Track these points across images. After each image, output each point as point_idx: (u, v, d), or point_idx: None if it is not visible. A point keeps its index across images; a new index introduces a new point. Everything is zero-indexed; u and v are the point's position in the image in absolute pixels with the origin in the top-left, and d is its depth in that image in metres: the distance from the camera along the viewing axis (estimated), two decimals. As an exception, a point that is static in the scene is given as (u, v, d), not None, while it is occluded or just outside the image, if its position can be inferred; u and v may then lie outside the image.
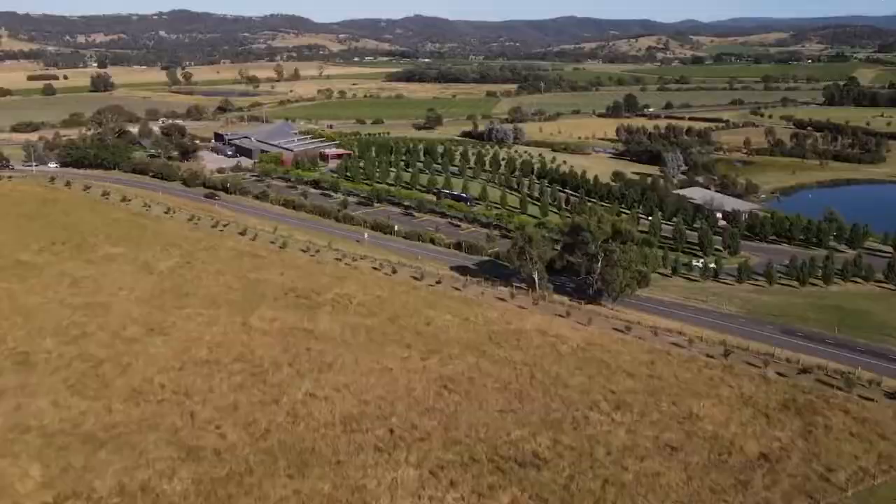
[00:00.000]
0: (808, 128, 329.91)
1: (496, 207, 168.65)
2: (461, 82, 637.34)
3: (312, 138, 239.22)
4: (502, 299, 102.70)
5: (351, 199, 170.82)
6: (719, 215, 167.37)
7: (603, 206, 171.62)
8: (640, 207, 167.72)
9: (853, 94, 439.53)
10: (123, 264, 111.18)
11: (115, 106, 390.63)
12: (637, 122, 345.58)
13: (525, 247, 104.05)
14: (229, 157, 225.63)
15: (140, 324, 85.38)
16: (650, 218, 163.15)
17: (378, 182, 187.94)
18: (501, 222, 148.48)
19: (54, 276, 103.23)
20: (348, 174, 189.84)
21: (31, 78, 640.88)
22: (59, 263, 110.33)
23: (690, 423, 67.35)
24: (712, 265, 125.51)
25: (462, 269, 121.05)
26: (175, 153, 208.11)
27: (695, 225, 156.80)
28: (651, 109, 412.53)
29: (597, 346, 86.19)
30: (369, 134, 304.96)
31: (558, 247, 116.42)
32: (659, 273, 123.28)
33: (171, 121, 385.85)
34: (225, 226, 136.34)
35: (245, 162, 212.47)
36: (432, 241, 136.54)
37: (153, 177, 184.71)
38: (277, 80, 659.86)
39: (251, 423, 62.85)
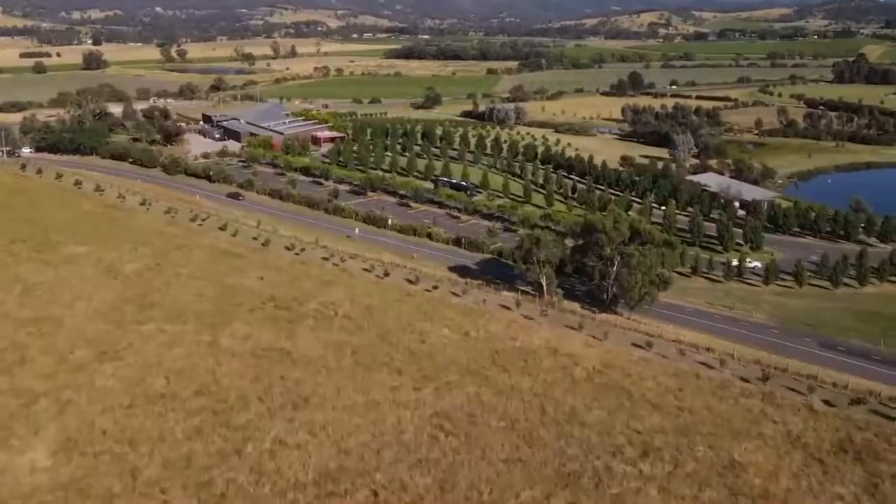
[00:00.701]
0: (821, 107, 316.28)
1: (498, 196, 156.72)
2: (461, 59, 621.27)
3: (304, 120, 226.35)
4: (507, 307, 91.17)
5: (343, 187, 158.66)
6: (737, 204, 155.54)
7: (612, 193, 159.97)
8: (653, 196, 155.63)
9: (863, 71, 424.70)
10: (86, 266, 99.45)
11: (103, 85, 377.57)
12: (643, 102, 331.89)
13: (532, 249, 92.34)
14: (217, 140, 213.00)
15: (92, 345, 73.78)
16: (663, 208, 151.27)
17: (372, 168, 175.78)
18: (504, 214, 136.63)
19: (5, 282, 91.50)
20: (341, 160, 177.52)
21: (23, 55, 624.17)
22: (15, 266, 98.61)
23: (733, 476, 56.05)
24: (755, 263, 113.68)
25: (462, 270, 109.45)
26: (158, 137, 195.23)
27: (711, 215, 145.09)
28: (662, 87, 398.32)
29: (616, 369, 74.79)
30: (366, 114, 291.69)
31: (568, 245, 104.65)
32: (677, 272, 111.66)
33: (161, 100, 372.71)
34: (204, 220, 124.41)
35: (233, 146, 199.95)
36: (429, 235, 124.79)
37: (132, 163, 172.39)
38: (274, 58, 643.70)
39: (205, 484, 51.48)
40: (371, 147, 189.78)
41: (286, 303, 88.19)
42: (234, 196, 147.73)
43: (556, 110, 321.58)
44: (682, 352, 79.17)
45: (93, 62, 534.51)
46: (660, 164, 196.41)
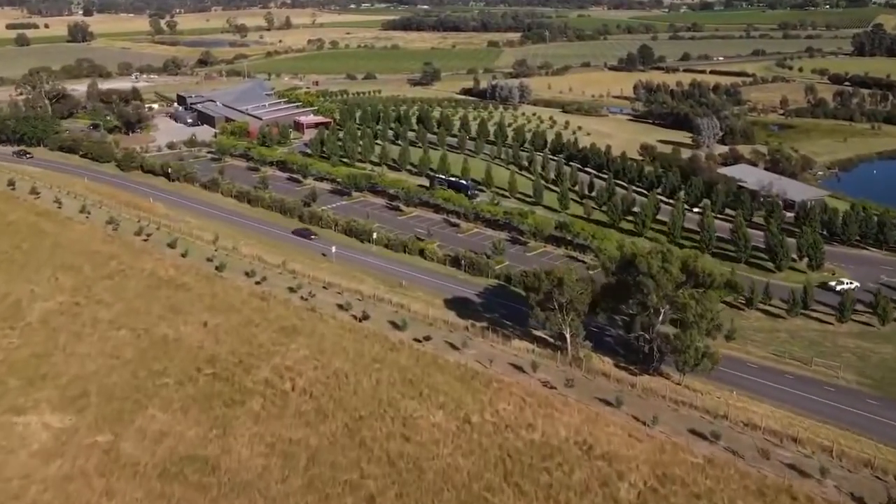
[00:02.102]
0: (846, 83, 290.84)
1: (503, 196, 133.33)
2: (461, 31, 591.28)
3: (287, 103, 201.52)
4: (520, 368, 68.64)
5: (324, 185, 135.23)
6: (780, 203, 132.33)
7: (636, 191, 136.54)
8: (683, 195, 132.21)
9: (885, 42, 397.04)
10: (-18, 308, 77.02)
11: (81, 59, 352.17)
12: (654, 77, 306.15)
13: (553, 292, 69.48)
14: (189, 125, 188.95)
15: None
16: (696, 210, 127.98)
17: (360, 161, 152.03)
18: (511, 221, 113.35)
19: None
20: (324, 151, 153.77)
21: (10, 27, 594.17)
22: None
23: None
24: (847, 284, 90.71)
25: (461, 305, 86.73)
26: (119, 124, 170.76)
27: (752, 218, 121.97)
28: (672, 61, 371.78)
29: (675, 481, 52.51)
30: (358, 93, 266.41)
31: (598, 276, 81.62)
32: (726, 303, 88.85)
33: (144, 76, 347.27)
34: (149, 236, 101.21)
35: (205, 133, 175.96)
36: (422, 253, 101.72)
37: (83, 157, 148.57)
38: (267, 30, 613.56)
39: None
40: (359, 135, 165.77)
41: (229, 369, 65.67)
42: (304, 235, 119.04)
43: (562, 87, 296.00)
44: (764, 452, 56.64)
45: (78, 34, 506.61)
46: (683, 153, 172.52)
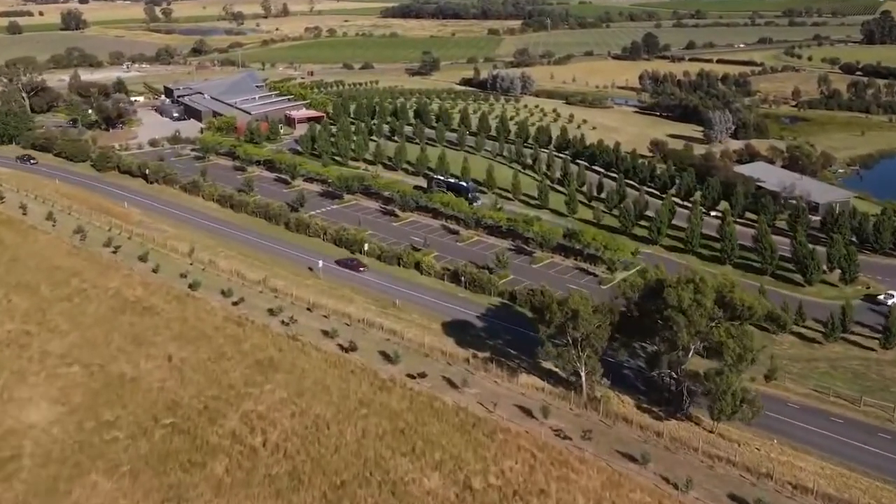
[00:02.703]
0: (858, 72, 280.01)
1: (506, 198, 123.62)
2: (461, 18, 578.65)
3: (279, 96, 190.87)
4: (528, 412, 59.22)
5: (313, 187, 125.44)
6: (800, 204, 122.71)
7: (649, 192, 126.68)
8: (699, 196, 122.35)
9: (895, 31, 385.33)
10: (-83, 340, 67.51)
11: (71, 49, 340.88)
12: (660, 67, 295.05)
13: (566, 326, 59.89)
14: (175, 119, 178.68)
15: None
16: (714, 214, 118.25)
17: (353, 159, 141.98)
18: (516, 228, 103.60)
19: None
20: (315, 148, 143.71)
21: (2, 14, 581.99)
22: None
23: None
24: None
25: (461, 329, 77.15)
26: (99, 119, 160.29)
27: (774, 223, 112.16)
28: (677, 50, 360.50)
29: (719, 571, 43.26)
30: (354, 84, 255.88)
31: (615, 302, 71.95)
32: (756, 325, 79.18)
33: (136, 65, 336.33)
34: (117, 248, 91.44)
35: (191, 128, 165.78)
36: (418, 266, 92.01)
37: (57, 156, 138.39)
38: (265, 17, 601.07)
39: None
40: (353, 130, 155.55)
41: (192, 419, 56.20)
42: (352, 265, 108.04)
43: (565, 77, 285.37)
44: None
45: (71, 22, 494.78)
46: (696, 148, 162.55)
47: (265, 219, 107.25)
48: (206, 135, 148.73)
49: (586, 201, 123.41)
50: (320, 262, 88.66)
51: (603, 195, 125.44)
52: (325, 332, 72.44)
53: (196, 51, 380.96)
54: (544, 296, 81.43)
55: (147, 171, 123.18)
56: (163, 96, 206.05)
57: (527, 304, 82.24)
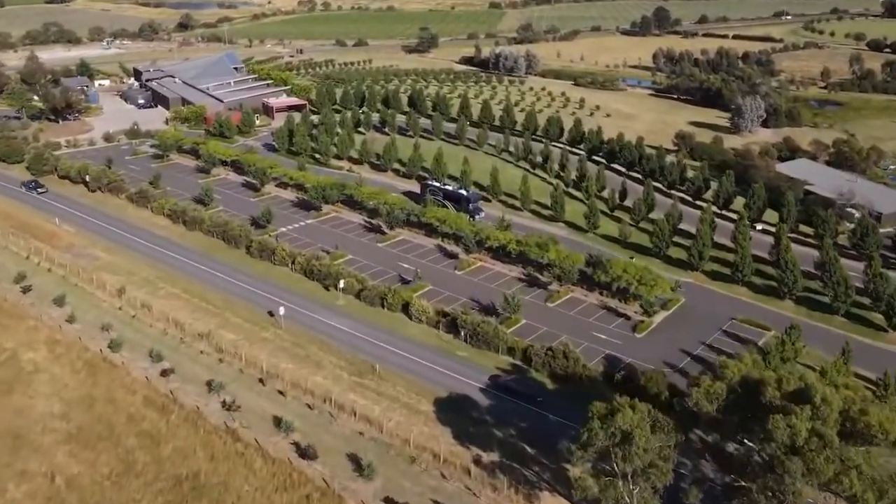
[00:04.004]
0: (887, 49, 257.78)
1: (513, 206, 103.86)
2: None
3: (257, 80, 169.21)
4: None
5: (288, 194, 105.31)
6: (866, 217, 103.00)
7: (681, 198, 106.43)
8: (745, 206, 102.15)
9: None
10: None
11: (48, 24, 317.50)
12: (672, 43, 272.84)
13: (614, 451, 40.35)
14: (141, 107, 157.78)
15: None
16: (758, 227, 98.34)
17: (337, 156, 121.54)
18: (527, 253, 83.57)
19: None
20: (293, 144, 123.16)
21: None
22: None
23: None
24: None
25: (460, 411, 57.53)
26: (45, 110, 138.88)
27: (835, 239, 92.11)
28: (689, 24, 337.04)
29: None
30: (345, 64, 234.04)
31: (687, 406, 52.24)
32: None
33: (117, 41, 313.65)
34: (28, 287, 71.78)
35: (156, 118, 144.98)
36: (406, 309, 72.17)
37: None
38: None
39: None
40: (338, 122, 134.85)
41: None
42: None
43: (572, 54, 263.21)
44: None
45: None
46: (724, 140, 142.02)
47: (223, 240, 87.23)
48: (166, 130, 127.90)
49: (607, 209, 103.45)
50: (282, 309, 68.86)
51: (627, 201, 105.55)
52: (279, 422, 53.18)
53: (182, 25, 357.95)
54: (568, 359, 62.41)
55: (87, 178, 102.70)
56: (131, 79, 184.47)
57: (545, 369, 62.90)
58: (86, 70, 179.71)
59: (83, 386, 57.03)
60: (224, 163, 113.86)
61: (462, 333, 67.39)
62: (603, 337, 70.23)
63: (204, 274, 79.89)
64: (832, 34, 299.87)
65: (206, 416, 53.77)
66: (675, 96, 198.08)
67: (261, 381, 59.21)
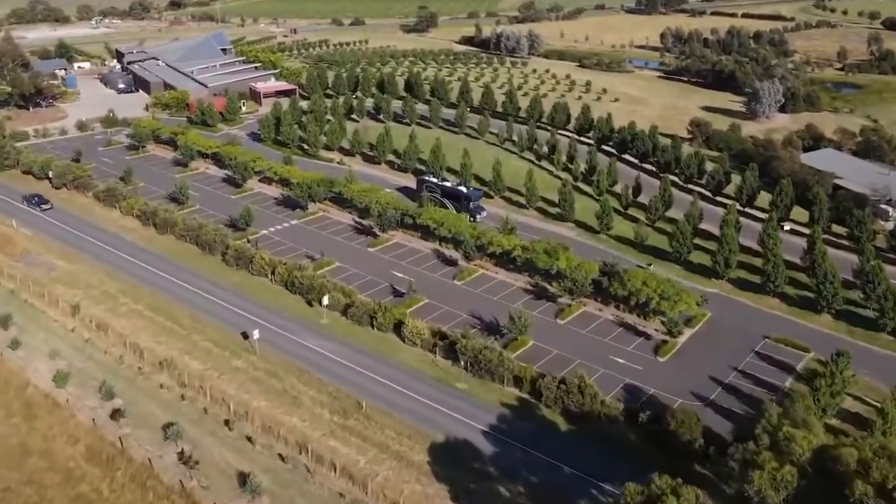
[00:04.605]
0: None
1: (518, 204, 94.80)
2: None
3: (245, 63, 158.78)
4: None
5: (272, 190, 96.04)
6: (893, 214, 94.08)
7: (700, 193, 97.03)
8: (771, 204, 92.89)
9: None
10: None
11: (35, 2, 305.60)
12: (680, 22, 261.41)
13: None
14: (121, 91, 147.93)
15: None
16: (786, 227, 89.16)
17: (327, 147, 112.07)
18: (534, 260, 74.46)
19: None
20: (280, 133, 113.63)
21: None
22: None
23: None
24: None
25: (458, 461, 48.75)
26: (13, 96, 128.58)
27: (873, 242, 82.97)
28: (696, 2, 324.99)
29: None
30: (340, 45, 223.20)
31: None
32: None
33: (106, 19, 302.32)
34: (-34, 308, 62.90)
35: (133, 105, 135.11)
36: (398, 329, 63.22)
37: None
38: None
39: None
40: (329, 108, 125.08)
41: None
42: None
43: (576, 34, 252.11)
44: None
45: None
46: (740, 126, 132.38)
47: (197, 245, 78.12)
48: (142, 118, 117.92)
49: (620, 207, 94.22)
50: (256, 332, 59.96)
51: (641, 197, 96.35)
52: (244, 480, 44.57)
53: (174, 3, 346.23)
54: (583, 394, 53.65)
55: (49, 174, 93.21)
56: (113, 62, 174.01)
57: (557, 406, 54.18)
58: (65, 52, 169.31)
59: (17, 433, 48.38)
60: (204, 155, 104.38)
61: (461, 359, 58.49)
62: (621, 361, 61.46)
63: (172, 286, 70.81)
64: (845, 12, 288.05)
65: (158, 472, 45.16)
66: (686, 79, 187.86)
67: (227, 423, 50.49)
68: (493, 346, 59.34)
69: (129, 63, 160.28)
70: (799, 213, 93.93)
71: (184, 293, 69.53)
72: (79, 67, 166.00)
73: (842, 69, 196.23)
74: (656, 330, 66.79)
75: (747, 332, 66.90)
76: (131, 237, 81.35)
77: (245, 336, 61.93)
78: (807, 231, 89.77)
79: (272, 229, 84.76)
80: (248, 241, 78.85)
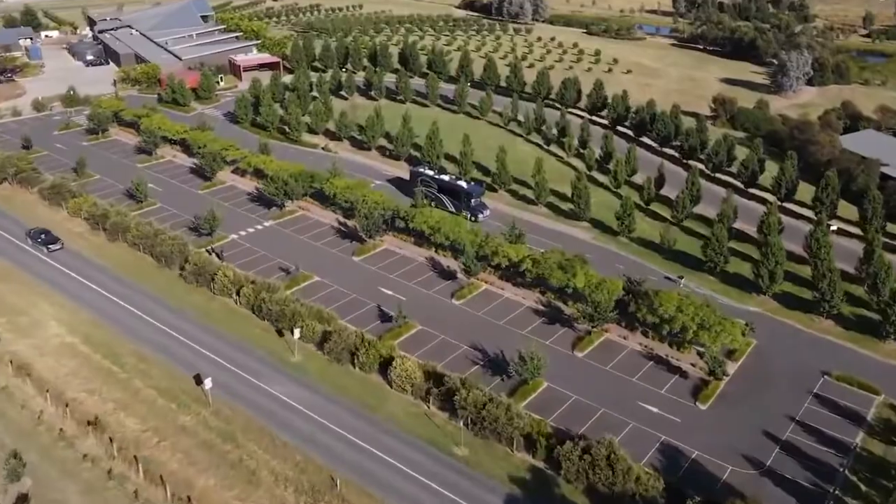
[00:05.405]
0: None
1: (525, 198, 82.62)
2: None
3: (225, 31, 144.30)
4: None
5: (245, 185, 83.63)
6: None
7: (731, 185, 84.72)
8: (815, 200, 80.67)
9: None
10: None
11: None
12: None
13: None
14: (89, 64, 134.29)
15: None
16: (834, 228, 76.97)
17: (311, 131, 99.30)
18: (546, 276, 62.42)
19: None
20: (259, 113, 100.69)
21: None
22: None
23: None
24: None
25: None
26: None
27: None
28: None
29: None
30: (332, 10, 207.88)
31: None
32: None
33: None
34: None
35: (102, 80, 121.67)
36: (385, 369, 51.64)
37: None
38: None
39: None
40: (314, 85, 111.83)
41: None
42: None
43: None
44: None
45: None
46: (768, 103, 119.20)
47: (151, 254, 66.19)
48: (103, 98, 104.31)
49: (641, 202, 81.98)
50: (209, 381, 48.36)
51: (664, 189, 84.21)
52: None
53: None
54: (613, 469, 42.32)
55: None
56: (86, 30, 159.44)
57: (580, 482, 42.90)
58: (31, 19, 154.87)
59: None
60: (172, 141, 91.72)
61: (460, 415, 47.02)
62: (654, 411, 50.12)
63: (117, 311, 59.01)
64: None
65: None
66: (701, 47, 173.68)
67: (163, 534, 39.29)
68: (498, 398, 47.71)
69: (100, 32, 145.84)
70: (844, 207, 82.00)
71: (130, 321, 57.74)
72: (46, 37, 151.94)
73: (867, 36, 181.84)
74: (693, 365, 55.32)
75: (801, 366, 55.49)
76: (77, 245, 69.23)
77: (198, 380, 50.43)
78: (856, 231, 78.59)
79: (242, 233, 72.68)
80: (212, 252, 66.93)
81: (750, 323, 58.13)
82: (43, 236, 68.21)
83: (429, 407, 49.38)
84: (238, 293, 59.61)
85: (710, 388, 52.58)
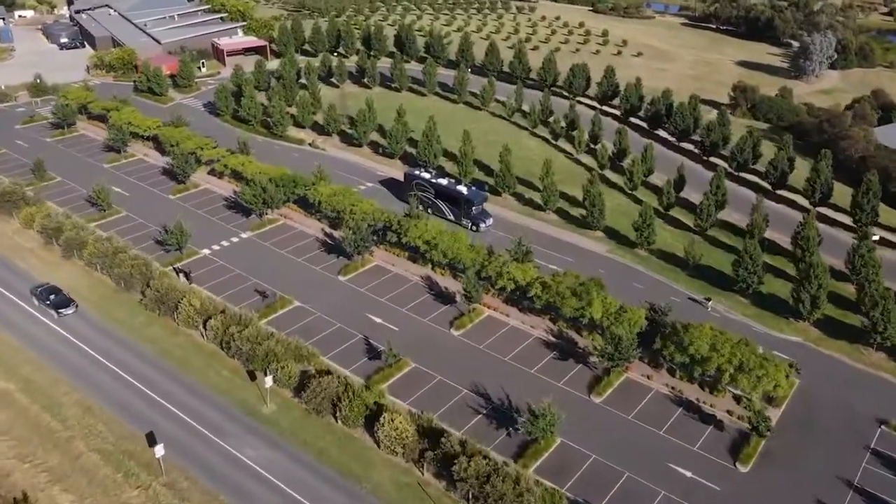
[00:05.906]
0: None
1: (532, 204, 74.10)
2: None
3: (208, 11, 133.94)
4: None
5: (222, 189, 74.97)
6: None
7: (749, 182, 76.17)
8: (854, 206, 72.25)
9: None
10: None
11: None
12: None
13: None
14: (63, 47, 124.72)
15: None
16: (876, 237, 68.57)
17: (297, 125, 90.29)
18: (557, 304, 54.12)
19: None
20: (240, 105, 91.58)
21: None
22: None
23: None
24: None
25: None
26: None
27: None
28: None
29: None
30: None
31: None
32: None
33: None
34: None
35: (76, 65, 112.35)
36: (371, 424, 43.75)
37: None
38: None
39: None
40: (302, 71, 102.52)
41: None
42: None
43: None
44: None
45: None
46: (791, 90, 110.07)
47: (110, 279, 57.89)
48: (71, 87, 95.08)
49: (660, 207, 73.50)
50: (160, 448, 40.39)
51: (684, 192, 75.73)
52: None
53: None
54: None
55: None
56: (64, 9, 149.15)
57: (606, 582, 35.12)
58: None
59: None
60: (146, 137, 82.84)
61: (460, 486, 39.17)
62: (688, 475, 42.37)
63: (65, 348, 50.89)
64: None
65: None
66: (714, 26, 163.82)
67: None
68: (504, 469, 39.80)
69: (76, 12, 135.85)
70: (883, 212, 73.66)
71: (78, 361, 49.67)
72: (19, 17, 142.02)
73: (889, 14, 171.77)
74: (729, 413, 47.43)
75: (854, 413, 47.71)
76: (25, 264, 60.84)
77: (151, 440, 42.49)
78: (899, 241, 70.36)
79: (216, 247, 64.31)
80: (179, 272, 58.67)
81: (795, 364, 50.11)
82: (52, 297, 54.18)
83: (422, 474, 41.51)
84: (205, 325, 51.44)
85: (751, 445, 44.72)
